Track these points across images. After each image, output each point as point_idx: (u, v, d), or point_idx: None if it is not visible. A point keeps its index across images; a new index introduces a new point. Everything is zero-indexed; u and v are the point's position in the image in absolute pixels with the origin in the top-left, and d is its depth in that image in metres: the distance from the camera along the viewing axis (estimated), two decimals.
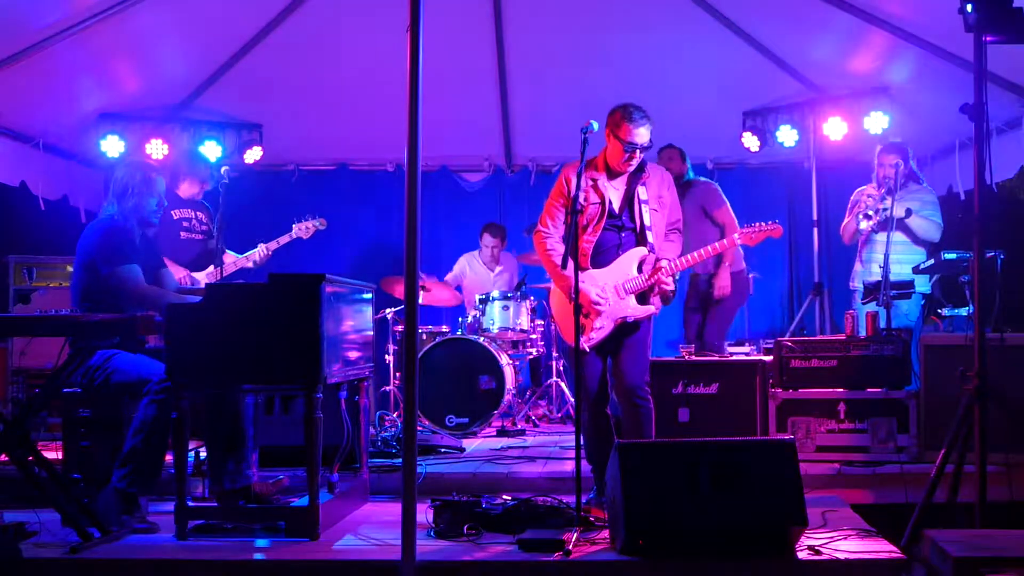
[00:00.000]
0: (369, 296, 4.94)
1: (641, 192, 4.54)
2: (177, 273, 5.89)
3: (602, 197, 4.53)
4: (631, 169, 4.53)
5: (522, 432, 6.84)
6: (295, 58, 7.20)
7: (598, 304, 4.48)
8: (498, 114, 8.13)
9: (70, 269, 6.29)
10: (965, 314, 5.91)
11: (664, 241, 4.61)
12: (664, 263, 4.51)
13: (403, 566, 3.08)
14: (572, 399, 6.55)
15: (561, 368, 7.46)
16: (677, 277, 4.64)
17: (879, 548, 3.77)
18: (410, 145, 3.13)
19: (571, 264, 4.20)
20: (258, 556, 3.90)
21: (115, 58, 6.77)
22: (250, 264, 6.37)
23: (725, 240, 4.76)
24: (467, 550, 3.88)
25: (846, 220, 6.35)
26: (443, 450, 5.88)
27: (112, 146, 7.28)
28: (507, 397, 6.81)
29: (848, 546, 3.79)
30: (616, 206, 4.55)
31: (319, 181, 8.77)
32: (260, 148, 7.79)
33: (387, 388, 7.45)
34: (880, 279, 5.49)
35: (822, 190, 7.91)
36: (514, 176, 8.89)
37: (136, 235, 4.63)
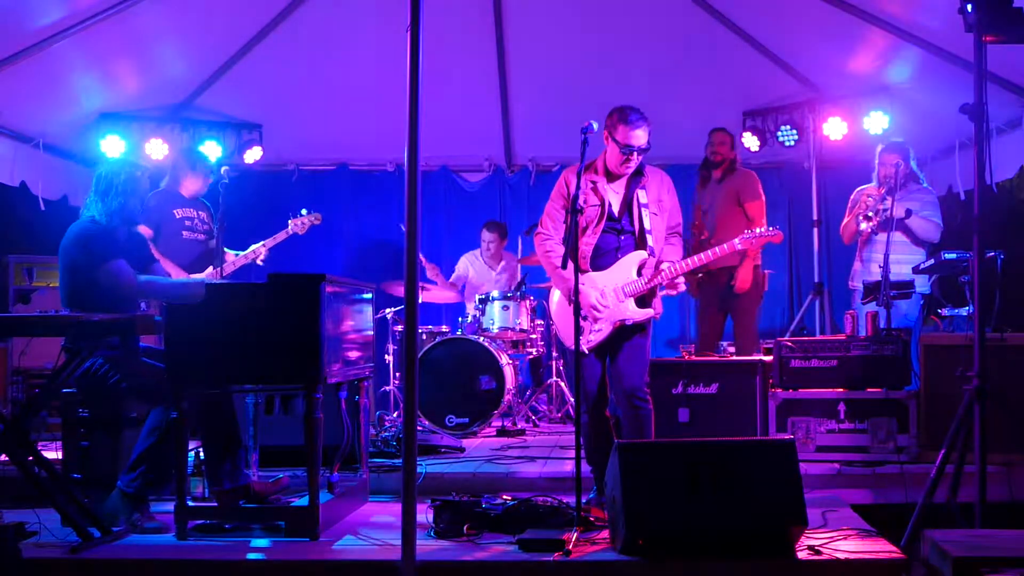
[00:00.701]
0: (369, 296, 4.94)
1: (641, 195, 4.54)
2: (177, 274, 5.89)
3: (601, 200, 4.52)
4: (630, 171, 4.52)
5: (522, 432, 6.84)
6: (295, 58, 7.20)
7: (596, 308, 4.48)
8: (498, 114, 8.14)
9: None
10: (965, 314, 5.91)
11: (665, 244, 4.61)
12: (665, 266, 4.51)
13: (403, 566, 3.08)
14: (572, 399, 6.55)
15: (561, 368, 7.46)
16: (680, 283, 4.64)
17: (879, 548, 3.77)
18: (410, 145, 3.12)
19: (571, 266, 4.20)
20: (258, 556, 3.90)
21: (115, 58, 6.78)
22: (248, 262, 6.37)
23: (725, 244, 4.76)
24: (467, 550, 3.88)
25: (846, 220, 6.34)
26: (443, 450, 5.87)
27: (112, 146, 7.28)
28: (507, 397, 6.81)
29: (848, 546, 3.79)
30: (615, 209, 4.54)
31: (319, 181, 8.77)
32: (260, 148, 7.80)
33: (387, 388, 7.45)
34: (880, 279, 5.49)
35: (822, 190, 7.91)
36: (514, 176, 8.89)
37: (121, 232, 4.58)
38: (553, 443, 6.29)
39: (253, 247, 6.35)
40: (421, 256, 7.11)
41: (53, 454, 4.68)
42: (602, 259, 4.55)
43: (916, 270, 5.81)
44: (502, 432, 6.79)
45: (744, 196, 6.45)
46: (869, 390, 5.24)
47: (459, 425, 6.72)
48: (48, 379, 4.38)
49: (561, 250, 4.41)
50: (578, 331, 4.17)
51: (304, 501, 4.12)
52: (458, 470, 5.28)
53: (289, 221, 6.53)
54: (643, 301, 4.54)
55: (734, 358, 5.76)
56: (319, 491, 4.15)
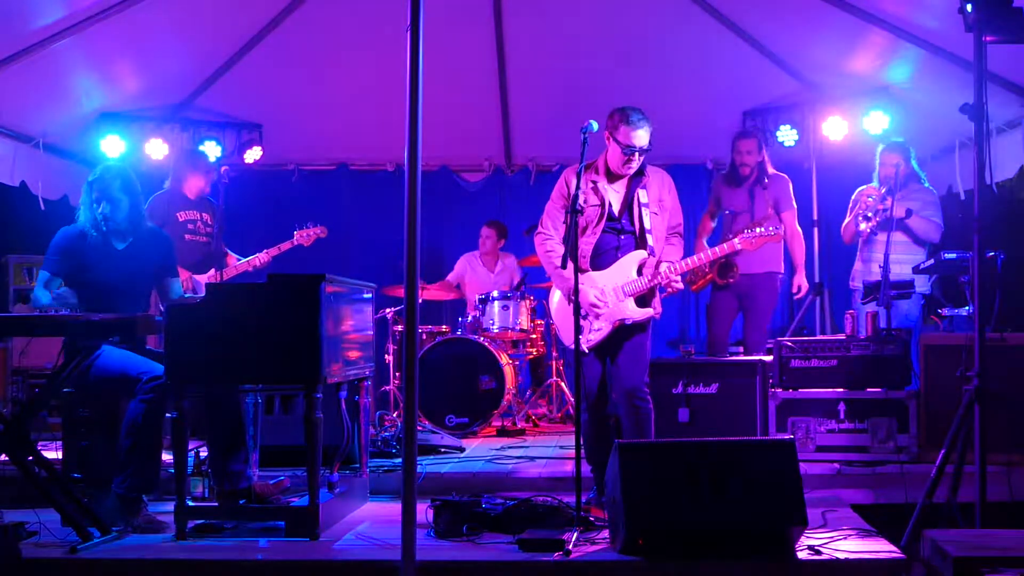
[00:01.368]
0: (369, 296, 4.94)
1: (641, 195, 4.54)
2: (181, 277, 5.89)
3: (602, 200, 4.52)
4: (631, 172, 4.52)
5: (522, 432, 6.85)
6: (295, 58, 7.20)
7: (596, 307, 4.48)
8: (498, 114, 8.13)
9: None
10: (965, 314, 5.91)
11: (665, 244, 4.61)
12: (664, 266, 4.51)
13: (403, 566, 3.08)
14: (572, 399, 6.55)
15: (561, 368, 7.46)
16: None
17: (879, 548, 3.77)
18: (410, 145, 3.12)
19: (571, 265, 4.20)
20: (258, 556, 3.90)
21: (115, 58, 6.77)
22: (250, 268, 6.37)
23: (725, 244, 4.76)
24: (467, 550, 3.88)
25: (847, 220, 6.34)
26: (443, 450, 5.88)
27: (112, 146, 7.28)
28: (507, 397, 6.81)
29: (848, 546, 3.79)
30: (616, 209, 4.55)
31: (319, 181, 8.77)
32: (260, 148, 7.79)
33: (387, 388, 7.45)
34: (880, 279, 5.49)
35: (822, 190, 7.90)
36: (514, 176, 8.88)
37: (93, 242, 4.56)
38: (553, 443, 6.30)
39: (256, 254, 6.36)
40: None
41: (53, 454, 4.68)
42: (602, 259, 4.55)
43: (916, 270, 5.81)
44: (502, 432, 6.80)
45: (780, 205, 6.31)
46: (869, 390, 5.24)
47: (459, 425, 6.72)
48: (48, 379, 4.38)
49: (561, 250, 4.41)
50: (578, 330, 4.17)
51: (304, 501, 4.12)
52: (458, 470, 5.28)
53: (295, 232, 6.54)
54: (643, 300, 4.54)
55: (734, 358, 5.76)
56: (319, 491, 4.15)
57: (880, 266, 5.50)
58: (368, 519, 4.51)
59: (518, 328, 7.14)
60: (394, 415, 6.96)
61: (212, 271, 6.01)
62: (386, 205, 8.72)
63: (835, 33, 6.51)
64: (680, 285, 4.60)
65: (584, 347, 4.44)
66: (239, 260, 6.36)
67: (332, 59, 7.19)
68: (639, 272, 4.53)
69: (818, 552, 3.68)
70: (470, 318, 7.36)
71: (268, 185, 8.52)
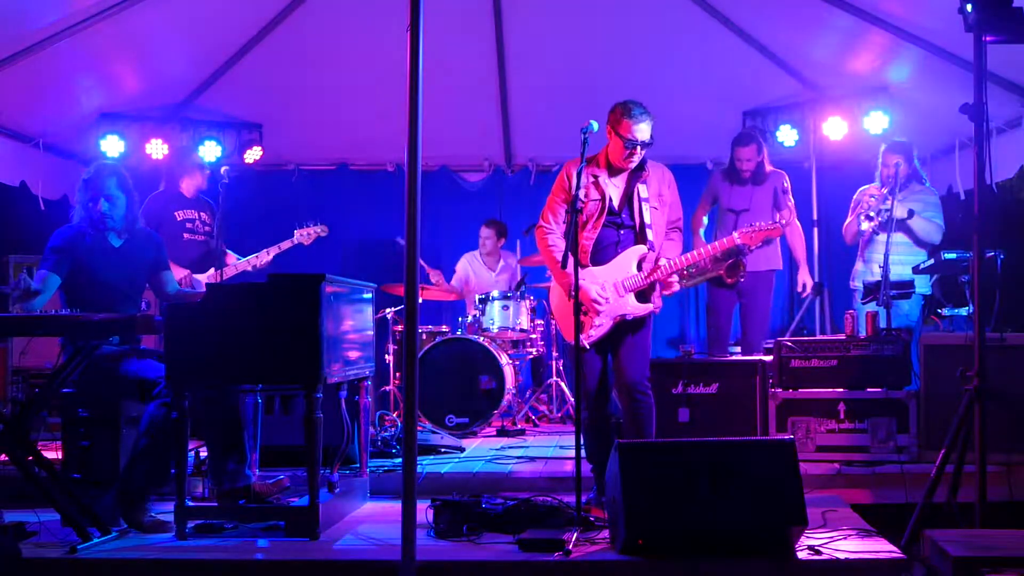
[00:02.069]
0: (369, 296, 4.94)
1: (641, 190, 4.54)
2: (178, 274, 5.89)
3: (602, 194, 4.53)
4: (632, 166, 4.53)
5: (522, 432, 6.85)
6: (295, 58, 7.20)
7: (597, 302, 4.48)
8: (498, 114, 8.13)
9: None
10: (965, 314, 5.91)
11: (664, 240, 4.61)
12: (663, 262, 4.51)
13: (403, 566, 3.08)
14: (572, 399, 6.54)
15: (561, 367, 7.46)
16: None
17: (879, 548, 3.77)
18: (410, 145, 3.12)
19: (571, 261, 4.20)
20: (258, 556, 3.90)
21: (115, 58, 6.77)
22: (250, 268, 6.37)
23: (725, 239, 4.75)
24: (467, 550, 3.88)
25: (848, 220, 6.34)
26: (443, 450, 5.88)
27: (112, 146, 7.28)
28: (507, 397, 6.81)
29: (848, 546, 3.79)
30: (616, 203, 4.55)
31: (319, 181, 8.77)
32: (260, 148, 7.80)
33: (387, 388, 7.45)
34: (881, 279, 5.49)
35: (822, 190, 7.90)
36: (514, 176, 8.88)
37: (90, 241, 4.59)
38: (553, 443, 6.29)
39: (256, 254, 6.36)
40: (423, 262, 7.12)
41: (53, 454, 4.68)
42: (602, 253, 4.55)
43: (916, 270, 5.80)
44: (502, 432, 6.80)
45: (780, 200, 6.33)
46: (869, 390, 5.24)
47: (459, 425, 6.72)
48: (48, 379, 4.39)
49: (562, 244, 4.41)
50: (578, 327, 4.17)
51: (304, 501, 4.11)
52: (458, 470, 5.28)
53: (295, 231, 6.54)
54: (643, 295, 4.54)
55: (734, 358, 5.76)
56: (319, 491, 4.15)
57: (881, 266, 5.50)
58: (368, 519, 4.51)
59: (518, 328, 7.14)
60: (394, 415, 6.96)
61: (212, 270, 6.01)
62: (386, 205, 8.73)
63: (835, 33, 6.51)
64: (677, 286, 4.60)
65: (585, 343, 4.44)
66: (238, 260, 6.36)
67: (332, 59, 7.19)
68: (639, 267, 4.53)
69: (818, 552, 3.68)
70: (470, 318, 7.36)
71: (268, 185, 8.52)
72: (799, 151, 7.77)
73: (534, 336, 7.40)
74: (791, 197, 6.38)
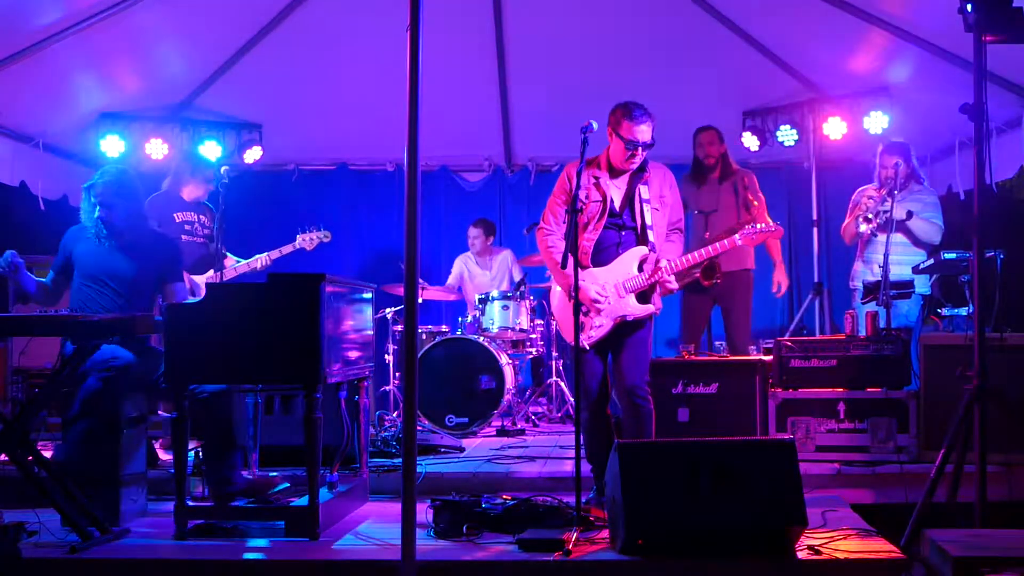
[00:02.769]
0: (369, 296, 4.94)
1: (642, 191, 4.54)
2: None
3: (603, 195, 4.53)
4: (634, 167, 4.52)
5: (522, 432, 6.84)
6: (295, 58, 7.20)
7: (597, 302, 4.48)
8: (498, 114, 8.14)
9: None
10: (965, 314, 5.91)
11: (665, 241, 4.61)
12: (664, 263, 4.51)
13: (403, 566, 3.08)
14: (572, 399, 6.55)
15: (561, 368, 7.46)
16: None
17: (879, 548, 3.77)
18: (410, 145, 3.12)
19: (571, 262, 4.20)
20: (258, 556, 3.90)
21: (115, 58, 6.78)
22: (249, 271, 6.36)
23: (726, 240, 4.75)
24: (467, 550, 3.88)
25: (847, 221, 6.33)
26: (443, 450, 5.87)
27: (112, 146, 7.28)
28: (507, 397, 6.81)
29: (848, 546, 3.79)
30: (617, 204, 4.55)
31: (319, 181, 8.77)
32: (260, 148, 7.80)
33: (387, 388, 7.45)
34: (880, 279, 5.49)
35: (822, 190, 7.91)
36: (514, 176, 8.89)
37: (95, 244, 4.64)
38: (553, 443, 6.29)
39: (256, 256, 6.36)
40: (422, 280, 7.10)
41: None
42: (603, 255, 4.54)
43: (916, 270, 5.80)
44: (502, 432, 6.79)
45: (750, 198, 6.29)
46: (869, 390, 5.24)
47: (459, 425, 6.72)
48: (48, 379, 4.38)
49: (563, 246, 4.40)
50: (578, 328, 4.17)
51: (304, 501, 4.11)
52: (458, 470, 5.28)
53: (297, 236, 6.53)
54: (644, 297, 4.54)
55: (734, 358, 5.76)
56: (319, 491, 4.15)
57: (880, 266, 5.50)
58: (368, 519, 4.50)
59: (518, 328, 7.14)
60: (394, 415, 6.96)
61: (211, 272, 6.00)
62: (386, 205, 8.73)
63: (835, 33, 6.51)
64: (674, 286, 4.59)
65: (585, 344, 4.44)
66: (238, 262, 6.35)
67: (332, 59, 7.20)
68: (640, 268, 4.52)
69: (818, 552, 3.68)
70: (470, 318, 7.36)
71: (268, 185, 8.53)
72: (799, 151, 7.78)
73: (534, 336, 7.40)
74: (760, 194, 6.32)
